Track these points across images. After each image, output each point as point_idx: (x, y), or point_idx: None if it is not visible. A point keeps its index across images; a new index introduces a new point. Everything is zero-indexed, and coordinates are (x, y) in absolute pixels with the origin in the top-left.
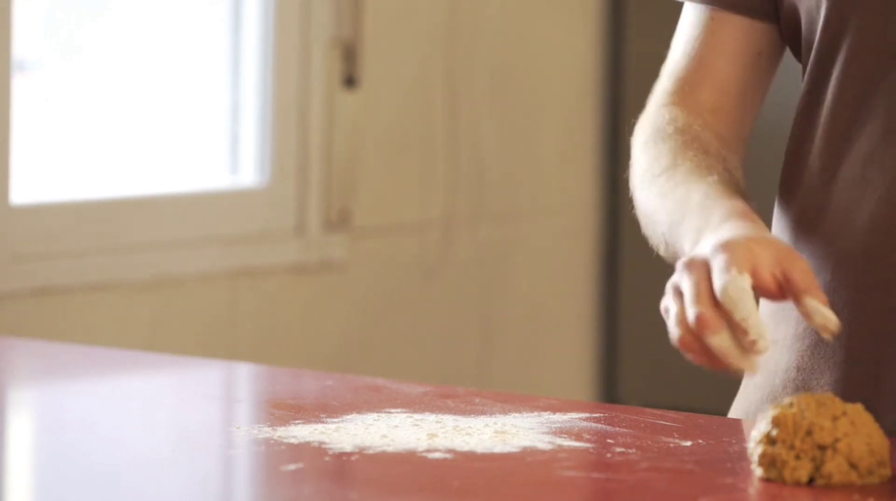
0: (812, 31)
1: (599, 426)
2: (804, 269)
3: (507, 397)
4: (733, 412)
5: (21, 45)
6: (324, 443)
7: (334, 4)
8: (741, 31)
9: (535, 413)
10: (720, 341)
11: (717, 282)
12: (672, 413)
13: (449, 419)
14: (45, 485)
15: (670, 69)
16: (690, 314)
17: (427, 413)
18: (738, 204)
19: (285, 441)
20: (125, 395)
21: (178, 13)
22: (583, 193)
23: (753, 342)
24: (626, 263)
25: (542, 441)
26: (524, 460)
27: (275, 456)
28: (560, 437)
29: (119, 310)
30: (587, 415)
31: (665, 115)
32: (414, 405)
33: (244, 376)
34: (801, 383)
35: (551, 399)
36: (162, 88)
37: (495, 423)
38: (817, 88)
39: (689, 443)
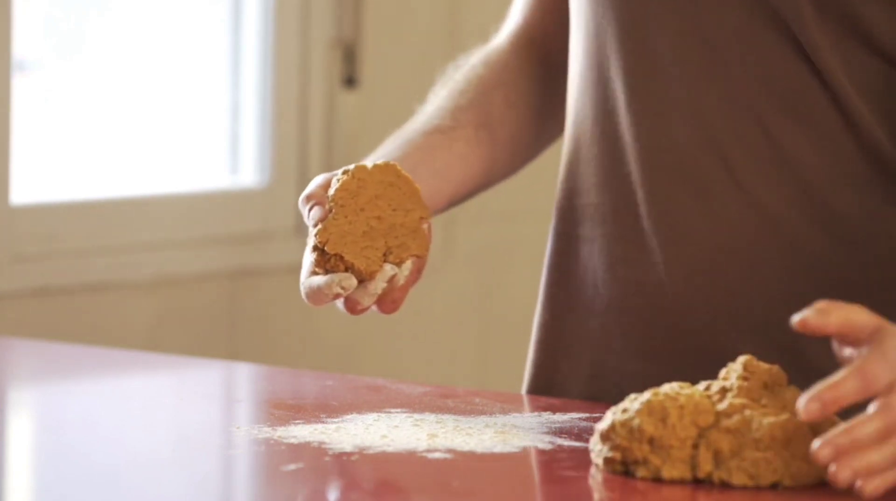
0: None
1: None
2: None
3: (507, 397)
4: None
5: (21, 45)
6: (324, 443)
7: (334, 4)
8: None
9: (535, 413)
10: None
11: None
12: None
13: (449, 419)
14: (45, 485)
15: (507, 25)
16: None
17: (427, 413)
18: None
19: (285, 440)
20: (125, 395)
21: (178, 13)
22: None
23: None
24: None
25: (542, 441)
26: (524, 460)
27: (275, 456)
28: (560, 437)
29: (119, 310)
30: (587, 415)
31: (478, 59)
32: (414, 405)
33: (244, 376)
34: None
35: (551, 399)
36: (162, 87)
37: (495, 423)
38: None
39: None
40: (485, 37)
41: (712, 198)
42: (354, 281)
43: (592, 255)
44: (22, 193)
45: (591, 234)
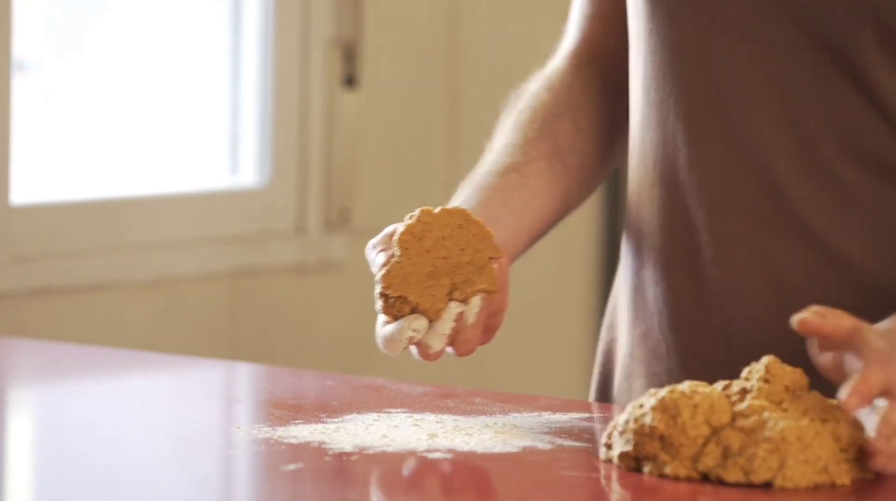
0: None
1: (600, 426)
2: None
3: (507, 397)
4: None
5: (21, 45)
6: (324, 443)
7: (334, 4)
8: None
9: (535, 413)
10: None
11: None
12: None
13: (449, 419)
14: (45, 485)
15: (567, 40)
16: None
17: (427, 413)
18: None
19: (285, 440)
20: (125, 395)
21: (178, 13)
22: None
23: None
24: None
25: (542, 441)
26: (524, 460)
27: (275, 456)
28: (560, 437)
29: (119, 310)
30: (587, 415)
31: (542, 84)
32: (414, 405)
33: (244, 376)
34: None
35: (551, 399)
36: (162, 87)
37: (495, 423)
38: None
39: None
40: (485, 37)
41: (779, 242)
42: (425, 321)
43: (658, 299)
44: (22, 193)
45: (655, 277)
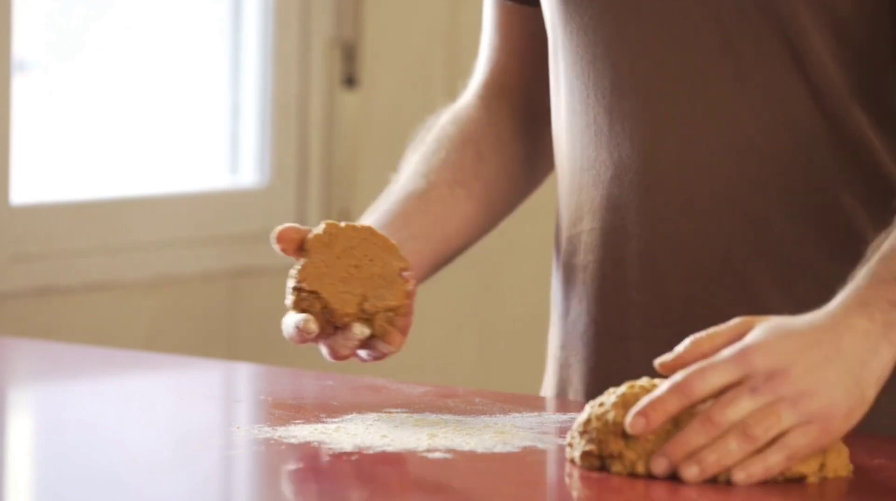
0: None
1: None
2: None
3: (507, 397)
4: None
5: (21, 45)
6: (324, 443)
7: (334, 4)
8: (515, 16)
9: (535, 413)
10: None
11: None
12: None
13: (449, 420)
14: (45, 485)
15: (479, 64)
16: None
17: (427, 413)
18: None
19: (285, 440)
20: (125, 395)
21: (178, 13)
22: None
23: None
24: None
25: (542, 441)
26: (524, 460)
27: (275, 456)
28: (560, 437)
29: (119, 310)
30: None
31: (448, 119)
32: (414, 405)
33: (244, 376)
34: (564, 360)
35: (551, 399)
36: (162, 87)
37: (495, 423)
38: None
39: None
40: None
41: (711, 219)
42: (315, 327)
43: (586, 282)
44: (22, 193)
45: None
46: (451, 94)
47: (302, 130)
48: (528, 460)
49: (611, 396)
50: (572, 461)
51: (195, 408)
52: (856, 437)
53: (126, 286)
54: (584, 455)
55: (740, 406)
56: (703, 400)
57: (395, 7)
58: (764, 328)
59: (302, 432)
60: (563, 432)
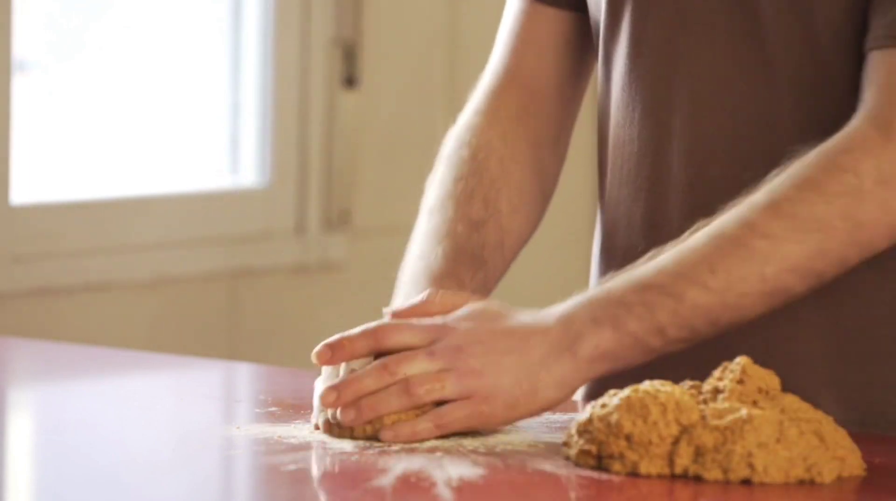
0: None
1: None
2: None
3: None
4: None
5: (21, 45)
6: (324, 443)
7: (334, 4)
8: (551, 22)
9: None
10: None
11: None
12: None
13: None
14: (45, 485)
15: (490, 67)
16: None
17: None
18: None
19: (285, 440)
20: (125, 395)
21: (178, 13)
22: (582, 192)
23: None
24: None
25: (543, 441)
26: (524, 460)
27: (275, 456)
28: (560, 437)
29: (119, 310)
30: None
31: (462, 139)
32: None
33: (244, 376)
34: None
35: None
36: (162, 87)
37: None
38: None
39: None
40: (485, 37)
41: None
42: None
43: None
44: (22, 193)
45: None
46: (451, 94)
47: (302, 131)
48: (528, 460)
49: (613, 398)
50: (568, 458)
51: (195, 408)
52: (871, 437)
53: (126, 286)
54: (582, 453)
55: (414, 364)
56: (389, 352)
57: (395, 7)
58: (474, 308)
59: (302, 432)
60: (563, 432)
